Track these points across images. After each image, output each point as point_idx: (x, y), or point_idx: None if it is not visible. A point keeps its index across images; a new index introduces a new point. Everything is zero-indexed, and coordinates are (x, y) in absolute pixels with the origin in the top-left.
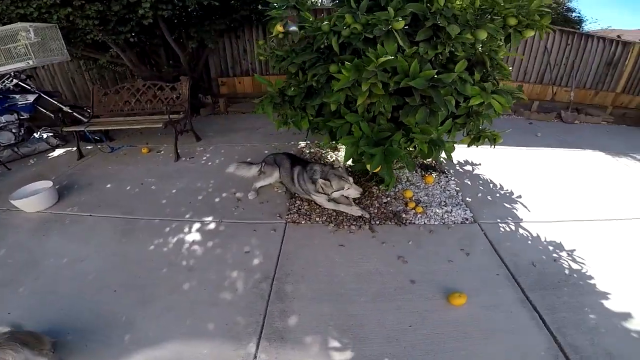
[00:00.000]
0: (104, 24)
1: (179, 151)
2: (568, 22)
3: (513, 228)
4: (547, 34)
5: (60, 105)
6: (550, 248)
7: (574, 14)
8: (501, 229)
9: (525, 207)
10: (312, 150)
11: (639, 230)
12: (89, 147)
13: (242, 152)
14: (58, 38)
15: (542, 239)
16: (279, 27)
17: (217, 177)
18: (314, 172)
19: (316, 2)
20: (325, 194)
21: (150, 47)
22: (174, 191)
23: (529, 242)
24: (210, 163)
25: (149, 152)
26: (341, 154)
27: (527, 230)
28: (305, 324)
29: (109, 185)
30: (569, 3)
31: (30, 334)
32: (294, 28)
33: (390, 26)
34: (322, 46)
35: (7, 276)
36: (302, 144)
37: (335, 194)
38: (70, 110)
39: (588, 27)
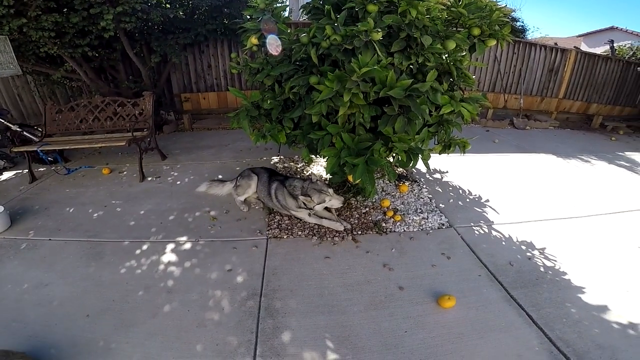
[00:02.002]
0: (61, 36)
1: (144, 171)
2: (513, 32)
3: (486, 230)
4: (497, 44)
5: (7, 123)
6: (523, 247)
7: (518, 23)
8: (475, 232)
9: (494, 210)
10: (285, 165)
11: (598, 226)
12: (42, 169)
13: (212, 169)
14: (7, 50)
15: (514, 240)
16: (254, 40)
17: (188, 196)
18: (293, 188)
19: (289, 17)
20: (308, 208)
21: (109, 61)
22: (142, 212)
23: (503, 242)
24: (179, 182)
25: (110, 172)
26: (316, 168)
27: (499, 232)
28: (301, 338)
29: (68, 209)
30: (514, 13)
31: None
32: (274, 37)
33: (370, 37)
34: (299, 58)
35: None
36: (275, 159)
37: (318, 207)
38: (19, 129)
39: (531, 35)
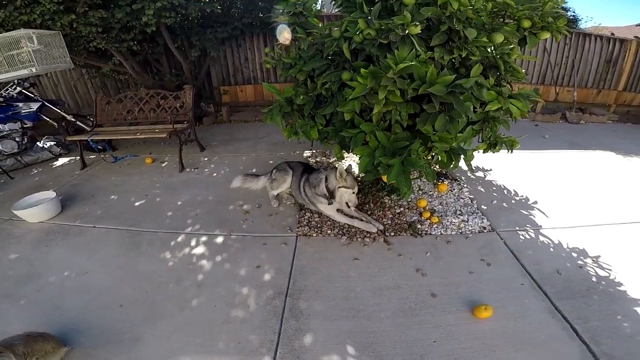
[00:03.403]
0: (107, 31)
1: (183, 161)
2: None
3: (533, 235)
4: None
5: (63, 114)
6: (574, 255)
7: (569, 13)
8: (521, 236)
9: (543, 213)
10: (317, 160)
11: None
12: (92, 157)
13: (247, 162)
14: (61, 45)
15: (565, 246)
16: (286, 34)
17: (223, 188)
18: (319, 172)
19: (321, 9)
20: (324, 195)
21: (152, 55)
22: (179, 203)
23: (551, 249)
24: (215, 174)
25: (152, 162)
26: (349, 164)
27: (548, 237)
28: (322, 342)
29: (113, 197)
30: (564, 3)
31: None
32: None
33: (407, 31)
34: (331, 53)
35: (8, 288)
36: (307, 153)
37: (340, 191)
38: (73, 119)
39: (583, 25)
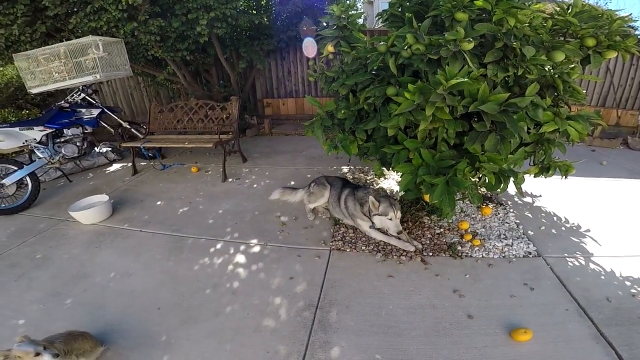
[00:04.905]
0: (164, 40)
1: (226, 172)
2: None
3: (583, 262)
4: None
5: (120, 120)
6: (627, 283)
7: (637, 32)
8: (569, 263)
9: (595, 241)
10: (355, 176)
11: None
12: (143, 164)
13: (286, 175)
14: (123, 53)
15: (617, 274)
16: (330, 48)
17: (262, 199)
18: (367, 192)
19: (364, 24)
20: (367, 215)
21: (203, 65)
22: (220, 211)
23: (602, 277)
24: (255, 185)
25: (198, 171)
26: (388, 182)
27: (599, 265)
28: (349, 356)
29: (159, 203)
30: (632, 22)
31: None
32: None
33: (459, 47)
34: (375, 67)
35: (57, 287)
36: (345, 169)
37: (376, 219)
38: (128, 126)
39: None
